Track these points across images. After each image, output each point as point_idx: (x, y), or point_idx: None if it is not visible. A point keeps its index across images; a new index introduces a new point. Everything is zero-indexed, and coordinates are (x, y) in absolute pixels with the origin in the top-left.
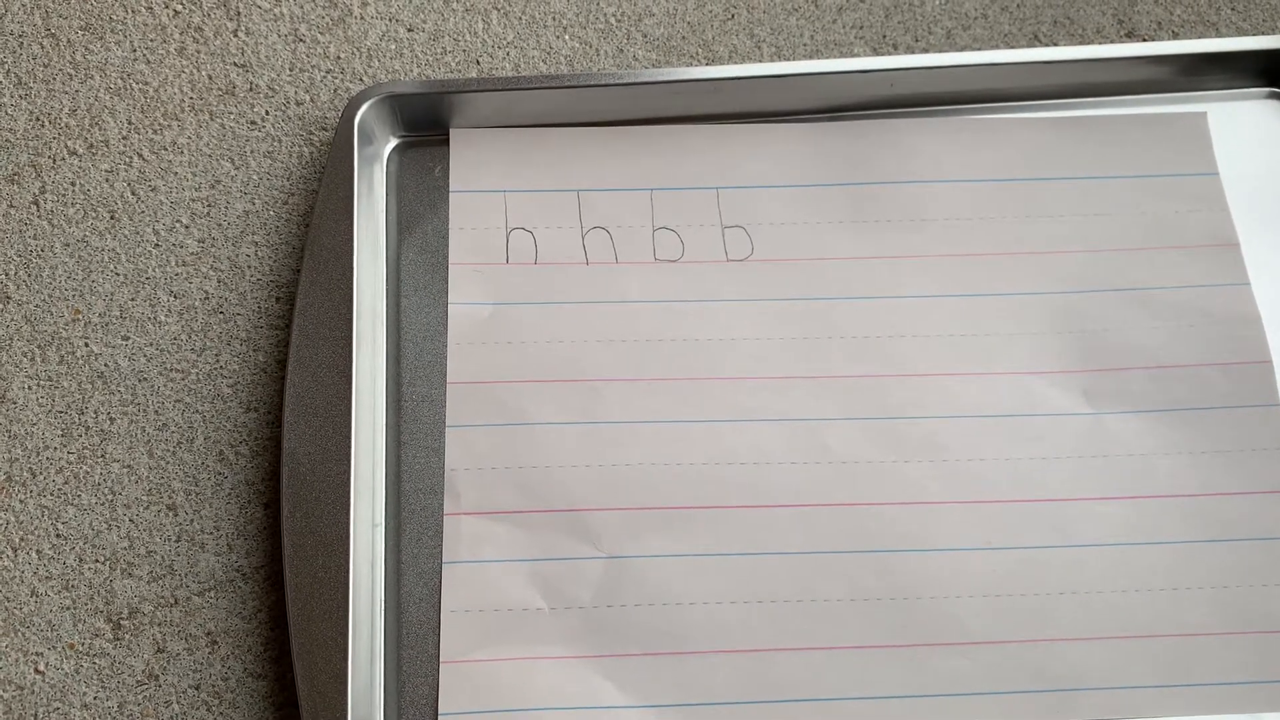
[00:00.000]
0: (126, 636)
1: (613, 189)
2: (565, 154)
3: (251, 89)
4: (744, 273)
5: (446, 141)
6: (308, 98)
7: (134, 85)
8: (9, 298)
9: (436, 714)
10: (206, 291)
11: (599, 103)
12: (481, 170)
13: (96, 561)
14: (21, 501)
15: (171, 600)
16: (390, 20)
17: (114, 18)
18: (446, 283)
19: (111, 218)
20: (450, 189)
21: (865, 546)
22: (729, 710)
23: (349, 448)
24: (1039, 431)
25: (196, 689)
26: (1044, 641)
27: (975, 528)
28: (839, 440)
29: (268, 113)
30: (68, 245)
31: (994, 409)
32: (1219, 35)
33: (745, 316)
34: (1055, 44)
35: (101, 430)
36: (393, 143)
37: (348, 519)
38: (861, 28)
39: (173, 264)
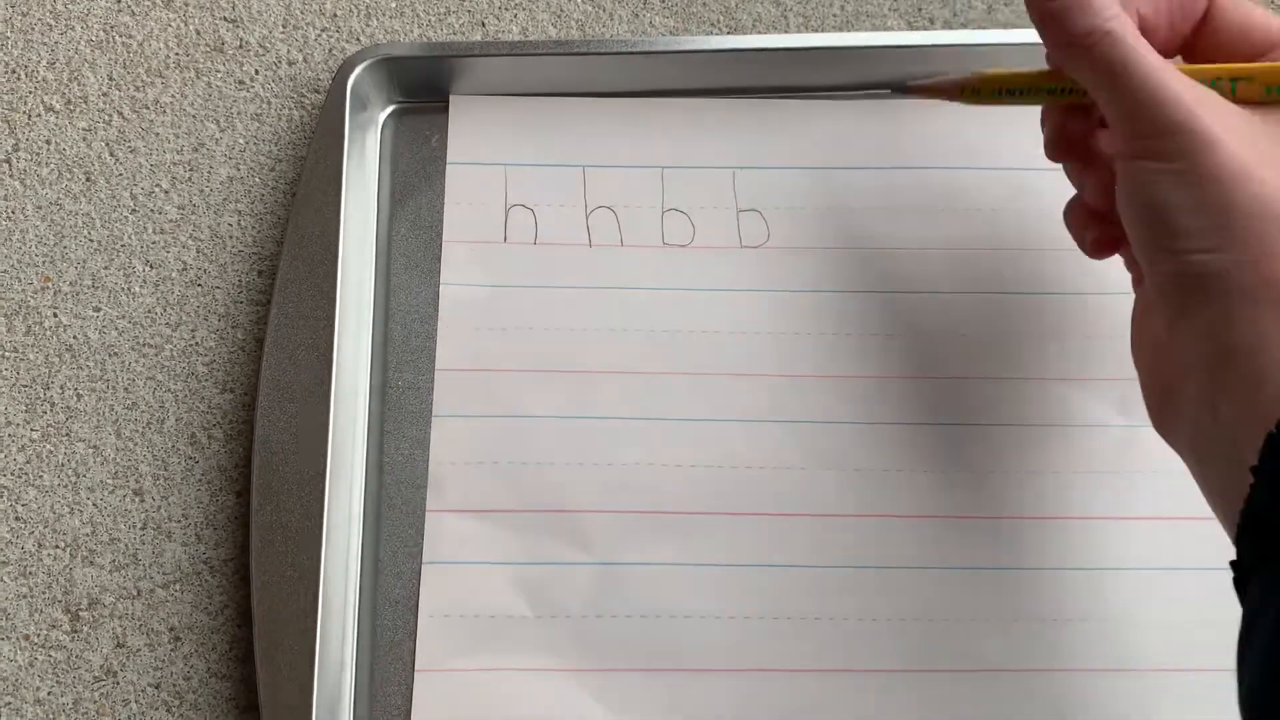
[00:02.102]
0: (85, 629)
1: (621, 166)
2: (572, 126)
3: (241, 46)
4: (758, 261)
5: (446, 109)
6: (300, 57)
7: (116, 38)
8: None
9: None
10: (185, 262)
11: (611, 72)
12: (481, 141)
13: (56, 547)
14: None
15: (134, 592)
16: None
17: None
18: (438, 261)
19: (87, 179)
20: (447, 160)
21: (877, 562)
22: None
23: (326, 436)
24: (1069, 443)
25: (156, 688)
26: (1065, 671)
27: (996, 546)
28: (853, 446)
29: (257, 72)
30: (40, 208)
31: (1022, 418)
32: None
33: (758, 308)
34: None
35: (68, 407)
36: (388, 109)
37: (322, 513)
38: None
39: (150, 231)
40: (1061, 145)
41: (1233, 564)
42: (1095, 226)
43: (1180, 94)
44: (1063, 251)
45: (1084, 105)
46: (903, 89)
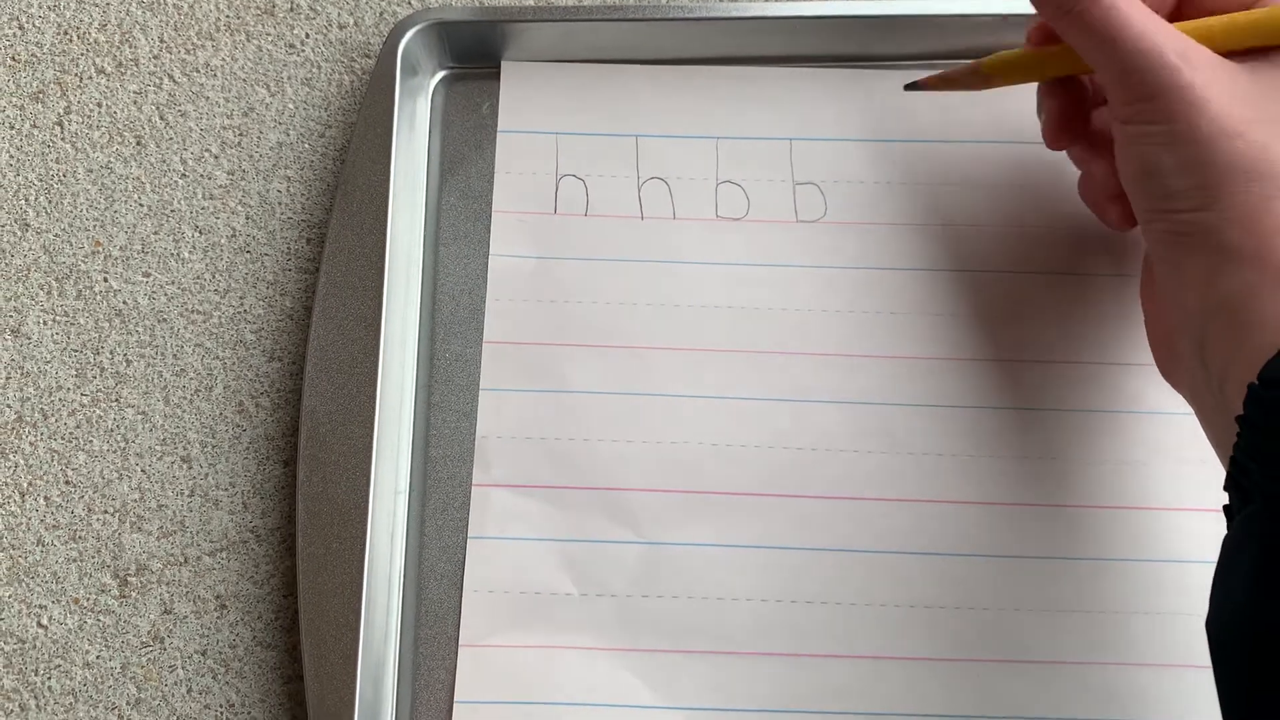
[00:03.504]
0: (133, 594)
1: (675, 136)
2: (625, 95)
3: (292, 9)
4: (815, 236)
5: (497, 76)
6: (351, 21)
7: (168, 0)
8: (28, 225)
9: (452, 701)
10: (234, 228)
11: (667, 39)
12: (533, 109)
13: (105, 513)
14: (31, 444)
15: (181, 559)
16: None
17: None
18: (488, 231)
19: (138, 143)
20: (498, 128)
21: (929, 549)
22: (770, 719)
23: (374, 407)
24: (1132, 431)
25: (203, 655)
26: (1118, 665)
27: (1054, 535)
28: (909, 429)
29: (308, 36)
30: (91, 171)
31: (1084, 403)
32: None
33: (814, 285)
34: None
35: (117, 372)
36: (439, 75)
37: (368, 484)
38: None
39: (199, 197)
40: (1061, 133)
41: (1225, 509)
42: (1113, 203)
43: (1168, 56)
44: (1130, 232)
45: (1080, 88)
46: (913, 86)
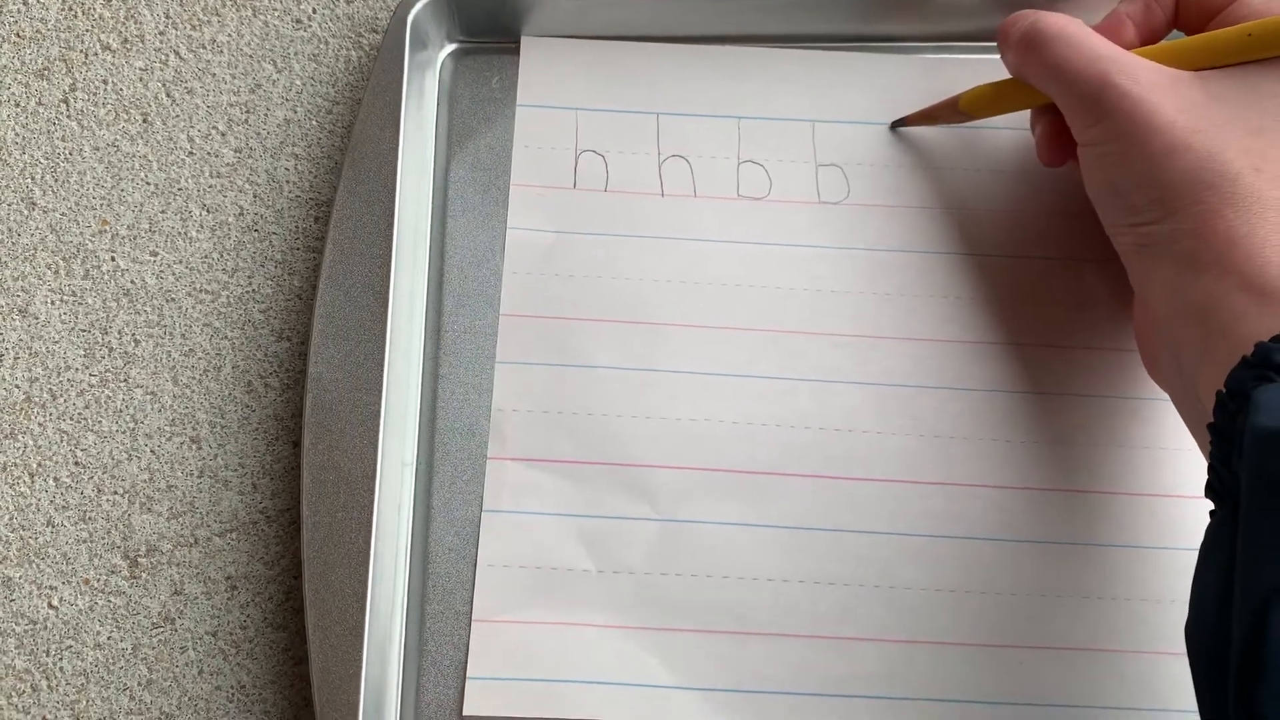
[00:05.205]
0: (143, 575)
1: (697, 114)
2: (646, 72)
3: None
4: (837, 217)
5: (507, 49)
6: None
7: None
8: (34, 204)
9: (462, 677)
10: (241, 207)
11: (688, 16)
12: (553, 84)
13: (115, 493)
14: (40, 424)
15: (191, 540)
16: None
17: None
18: (497, 205)
19: (144, 121)
20: (517, 103)
21: (957, 532)
22: (789, 701)
23: (381, 377)
24: (1167, 417)
25: (213, 636)
26: (1150, 654)
27: (1083, 520)
28: (933, 412)
29: (315, 10)
30: (97, 149)
31: (1112, 389)
32: None
33: (835, 266)
34: None
35: (125, 353)
36: (448, 48)
37: (375, 454)
38: None
39: (207, 175)
40: (1054, 150)
41: (1210, 513)
42: None
43: (1114, 78)
44: None
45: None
46: (900, 123)
